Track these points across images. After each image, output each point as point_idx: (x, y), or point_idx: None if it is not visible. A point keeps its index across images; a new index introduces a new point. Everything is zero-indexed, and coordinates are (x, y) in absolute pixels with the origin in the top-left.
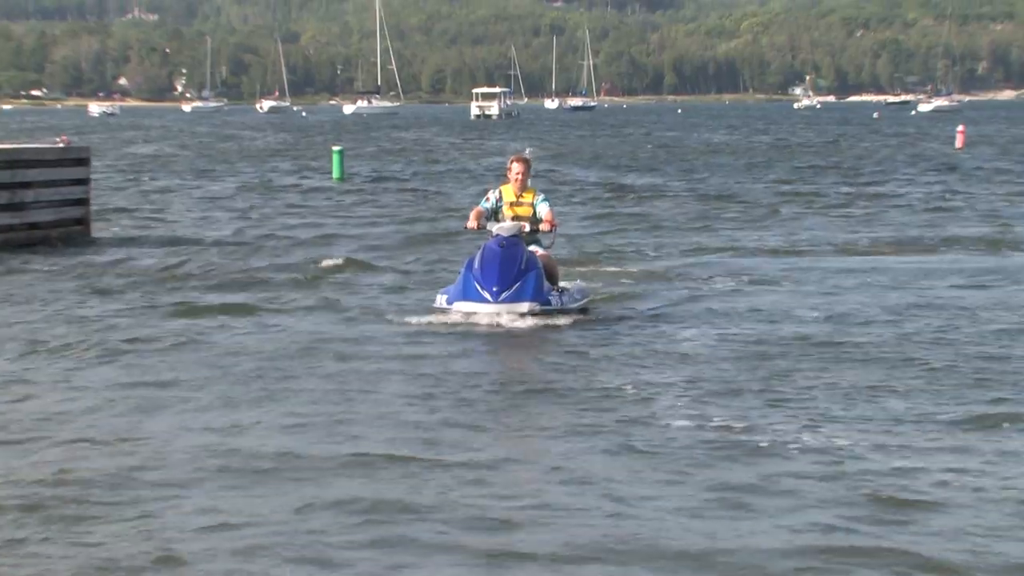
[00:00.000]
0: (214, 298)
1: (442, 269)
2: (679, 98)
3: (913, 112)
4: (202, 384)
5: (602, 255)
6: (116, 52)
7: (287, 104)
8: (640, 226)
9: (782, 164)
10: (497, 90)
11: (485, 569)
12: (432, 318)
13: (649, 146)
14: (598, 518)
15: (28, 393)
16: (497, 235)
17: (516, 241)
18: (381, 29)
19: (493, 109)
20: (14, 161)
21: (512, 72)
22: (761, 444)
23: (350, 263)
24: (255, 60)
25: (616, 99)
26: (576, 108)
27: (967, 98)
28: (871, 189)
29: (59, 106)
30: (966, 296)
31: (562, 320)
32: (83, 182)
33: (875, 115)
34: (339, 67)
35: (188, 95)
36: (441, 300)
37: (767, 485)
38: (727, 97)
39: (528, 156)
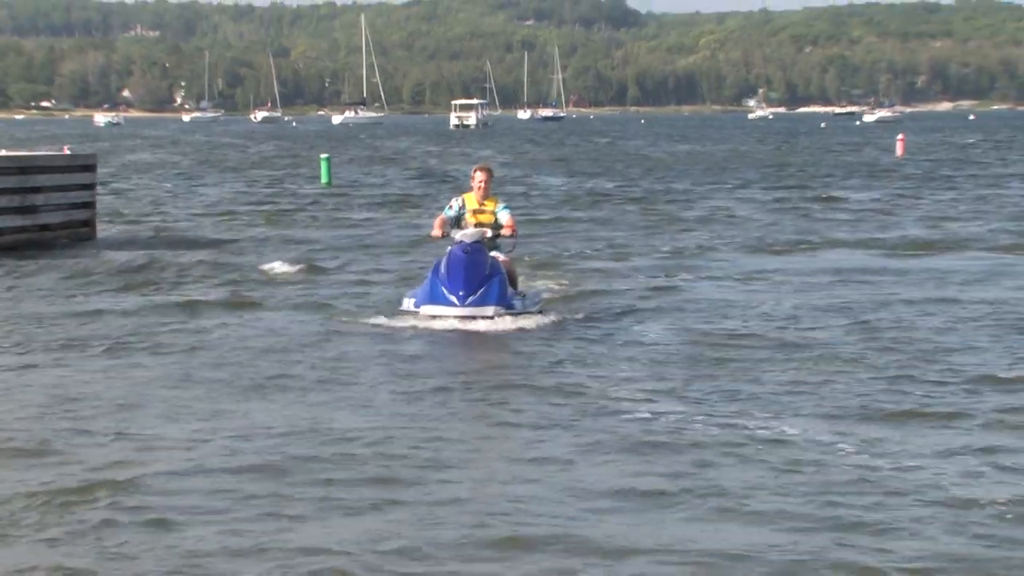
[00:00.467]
0: (201, 297)
1: (419, 270)
2: (642, 109)
3: (858, 123)
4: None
5: (565, 256)
6: (120, 66)
7: (279, 115)
8: (604, 228)
9: (739, 170)
10: (474, 102)
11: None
12: (400, 321)
13: (620, 154)
14: (551, 505)
15: (29, 383)
16: (461, 241)
17: (480, 247)
18: (366, 45)
19: (471, 119)
20: (25, 167)
21: (487, 85)
22: (713, 434)
23: (314, 268)
24: (249, 73)
25: (583, 110)
26: (547, 119)
27: (908, 109)
28: (819, 192)
29: (67, 116)
30: (904, 293)
31: (525, 322)
32: (89, 187)
33: (823, 125)
34: (327, 80)
35: (187, 106)
36: (408, 303)
37: (717, 476)
38: (686, 108)
39: (490, 166)
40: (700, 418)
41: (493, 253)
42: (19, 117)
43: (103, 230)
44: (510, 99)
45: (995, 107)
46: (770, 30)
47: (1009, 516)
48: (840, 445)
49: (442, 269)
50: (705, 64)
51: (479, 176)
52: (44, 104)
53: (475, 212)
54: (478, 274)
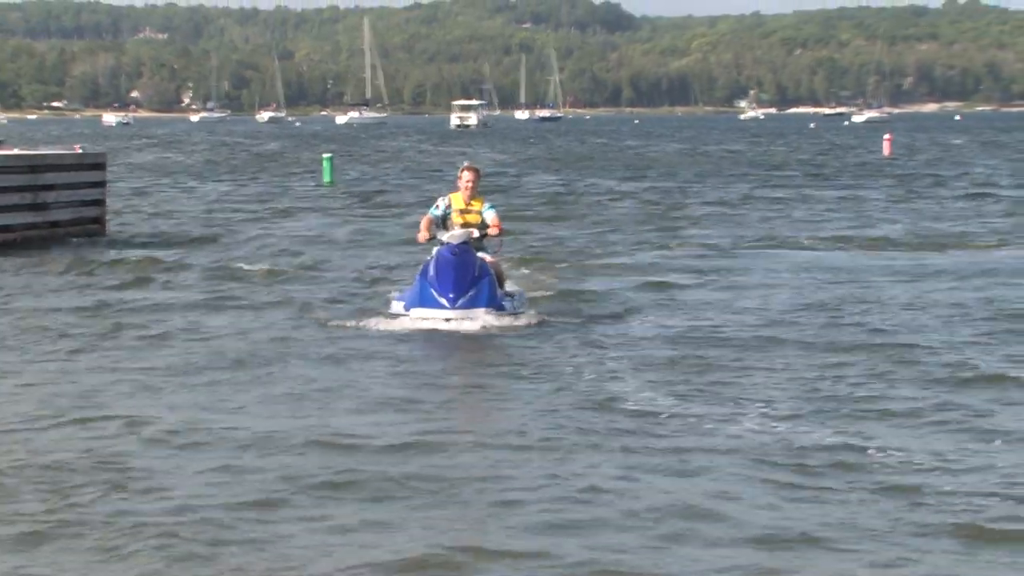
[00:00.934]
0: (199, 295)
1: (414, 266)
2: (636, 110)
3: (847, 123)
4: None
5: (558, 252)
6: (130, 67)
7: (283, 115)
8: (602, 226)
9: (733, 169)
10: (475, 103)
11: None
12: (390, 323)
13: (618, 152)
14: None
15: (36, 376)
16: (449, 243)
17: (468, 248)
18: (369, 48)
19: (471, 120)
20: (37, 166)
21: (486, 86)
22: (699, 425)
23: (312, 267)
24: (255, 75)
25: (579, 111)
26: (544, 119)
27: (896, 110)
28: (808, 191)
29: (78, 116)
30: (888, 288)
31: (515, 322)
32: (99, 184)
33: (812, 125)
34: (330, 82)
35: (195, 107)
36: (397, 306)
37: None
38: (679, 109)
39: (477, 166)
40: (697, 415)
41: (480, 254)
42: (31, 117)
43: (113, 227)
44: (508, 100)
45: (979, 108)
46: (761, 33)
47: None
48: (809, 435)
49: (431, 271)
50: (697, 66)
51: (466, 176)
52: (55, 104)
53: (461, 212)
54: (467, 276)
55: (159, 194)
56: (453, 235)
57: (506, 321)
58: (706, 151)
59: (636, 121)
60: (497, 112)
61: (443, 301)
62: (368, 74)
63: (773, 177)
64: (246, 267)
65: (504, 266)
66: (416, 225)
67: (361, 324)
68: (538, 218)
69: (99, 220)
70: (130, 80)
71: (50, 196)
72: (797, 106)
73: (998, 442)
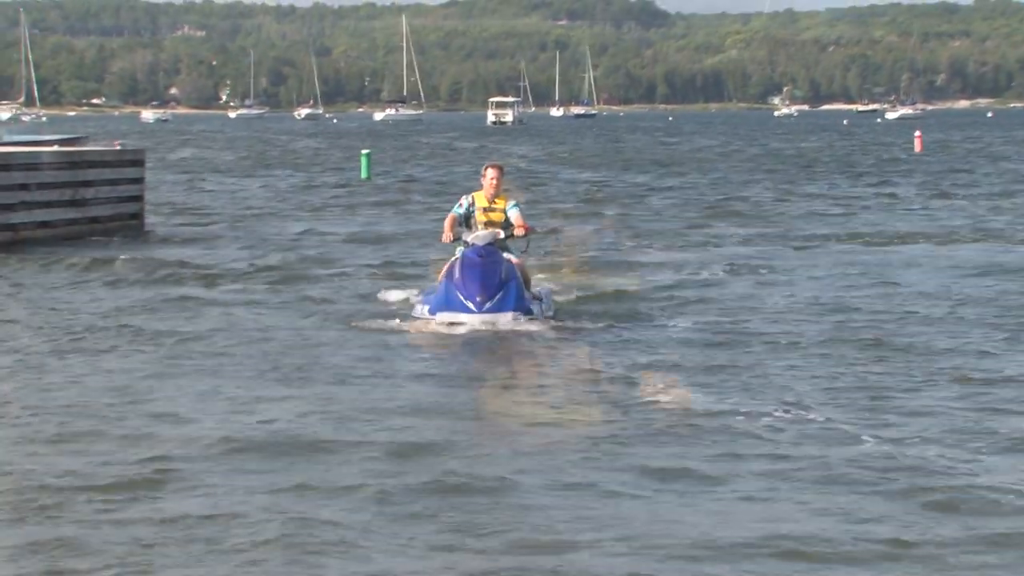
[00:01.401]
0: (234, 294)
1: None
2: (670, 107)
3: (880, 120)
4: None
5: (593, 250)
6: (168, 64)
7: (321, 112)
8: (634, 221)
9: (768, 165)
10: (511, 99)
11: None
12: (413, 326)
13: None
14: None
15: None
16: (474, 244)
17: (493, 250)
18: (406, 44)
19: (508, 116)
20: (77, 162)
21: (521, 83)
22: (738, 425)
23: (348, 264)
24: (292, 72)
25: (614, 108)
26: (579, 116)
27: (929, 107)
28: (840, 191)
29: (116, 113)
30: (926, 284)
31: (543, 326)
32: (138, 181)
33: (844, 122)
34: (367, 79)
35: (232, 103)
36: (422, 310)
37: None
38: (713, 106)
39: (501, 163)
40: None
41: (506, 254)
42: (71, 114)
43: (151, 223)
44: (543, 97)
45: (1012, 105)
46: (795, 30)
47: None
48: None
49: (456, 274)
50: (731, 63)
51: (490, 173)
52: (95, 101)
53: (485, 211)
54: (494, 279)
55: (197, 190)
56: (478, 236)
57: (535, 326)
58: (741, 147)
59: (671, 118)
60: (532, 109)
61: (469, 305)
62: (405, 71)
63: (806, 173)
64: (276, 264)
65: (530, 263)
66: (441, 223)
67: (386, 326)
68: (575, 213)
69: (138, 216)
70: (168, 77)
71: (89, 192)
72: (830, 103)
73: None
